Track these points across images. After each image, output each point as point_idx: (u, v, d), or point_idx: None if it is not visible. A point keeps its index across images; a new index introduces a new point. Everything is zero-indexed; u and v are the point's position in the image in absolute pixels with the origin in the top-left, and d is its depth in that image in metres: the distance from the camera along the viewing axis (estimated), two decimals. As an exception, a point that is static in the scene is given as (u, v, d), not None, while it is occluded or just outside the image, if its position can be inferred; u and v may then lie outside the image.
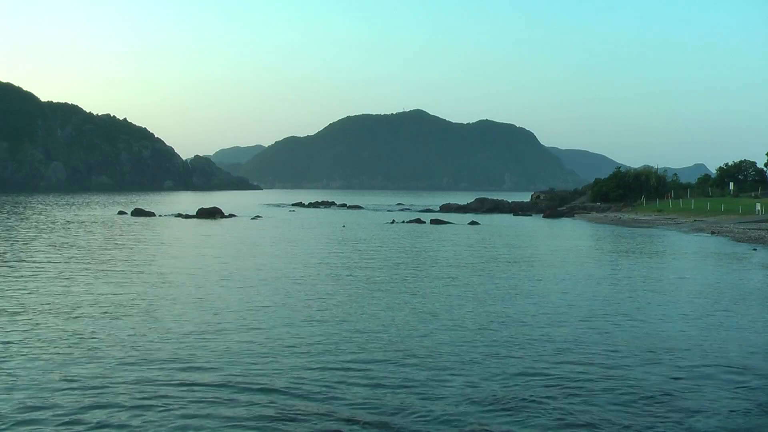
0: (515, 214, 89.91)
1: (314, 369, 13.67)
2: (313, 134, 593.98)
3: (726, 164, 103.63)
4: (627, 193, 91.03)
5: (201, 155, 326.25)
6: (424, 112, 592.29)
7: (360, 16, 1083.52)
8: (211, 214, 75.90)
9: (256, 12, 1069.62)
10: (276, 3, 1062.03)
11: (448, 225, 65.41)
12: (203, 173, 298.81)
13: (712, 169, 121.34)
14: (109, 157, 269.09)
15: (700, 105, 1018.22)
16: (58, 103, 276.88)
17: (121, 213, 77.91)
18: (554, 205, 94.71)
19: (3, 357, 14.20)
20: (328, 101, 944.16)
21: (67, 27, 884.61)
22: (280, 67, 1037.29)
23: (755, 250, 40.50)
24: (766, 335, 17.60)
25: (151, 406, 11.38)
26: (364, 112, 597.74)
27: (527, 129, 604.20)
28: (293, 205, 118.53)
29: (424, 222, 68.29)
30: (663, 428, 10.83)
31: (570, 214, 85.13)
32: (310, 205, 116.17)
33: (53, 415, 10.91)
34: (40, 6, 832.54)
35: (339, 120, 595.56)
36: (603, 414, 11.36)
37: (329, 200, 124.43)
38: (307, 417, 11.03)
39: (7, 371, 13.15)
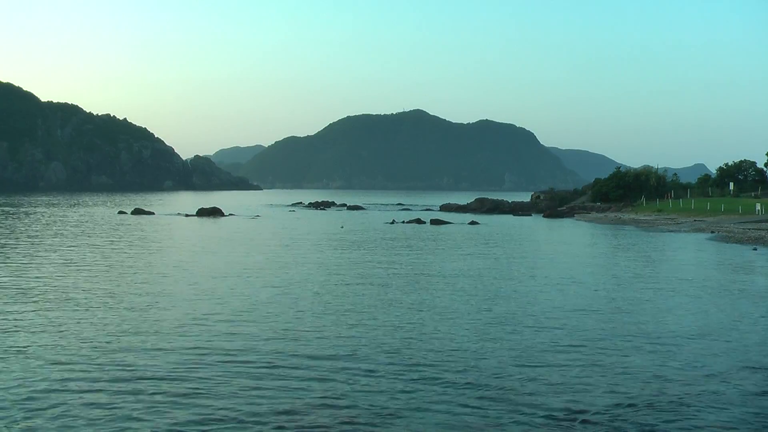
0: (515, 214, 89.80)
1: (309, 358, 13.75)
2: (313, 134, 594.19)
3: (726, 164, 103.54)
4: (627, 193, 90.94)
5: (201, 155, 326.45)
6: (424, 112, 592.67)
7: (360, 16, 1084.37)
8: (211, 213, 75.98)
9: (255, 12, 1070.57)
10: (275, 3, 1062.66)
11: (448, 225, 65.38)
12: (203, 173, 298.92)
13: (712, 169, 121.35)
14: (109, 157, 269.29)
15: (700, 105, 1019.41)
16: (58, 103, 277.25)
17: (121, 213, 77.94)
18: (554, 205, 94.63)
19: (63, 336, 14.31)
20: (328, 101, 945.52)
21: (67, 27, 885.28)
22: (280, 67, 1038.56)
23: (755, 249, 40.46)
24: (765, 334, 17.59)
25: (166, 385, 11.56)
26: (364, 112, 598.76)
27: (527, 129, 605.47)
28: (293, 205, 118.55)
29: (424, 222, 68.24)
30: (662, 424, 10.85)
31: (570, 214, 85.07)
32: (310, 205, 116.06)
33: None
34: (40, 6, 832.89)
35: (339, 120, 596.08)
36: (602, 409, 11.38)
37: (329, 200, 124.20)
38: (307, 409, 11.08)
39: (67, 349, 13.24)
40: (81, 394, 11.98)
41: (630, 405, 11.78)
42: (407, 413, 11.29)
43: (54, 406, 11.36)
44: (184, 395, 12.01)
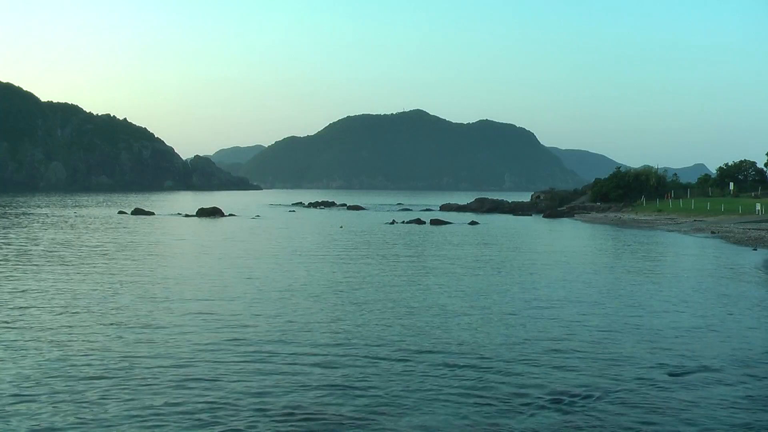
0: (515, 214, 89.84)
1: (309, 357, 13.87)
2: (313, 134, 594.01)
3: (726, 164, 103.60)
4: (627, 193, 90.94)
5: (201, 155, 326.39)
6: (424, 112, 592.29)
7: (360, 15, 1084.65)
8: (211, 213, 75.99)
9: (255, 12, 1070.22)
10: (275, 3, 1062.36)
11: (448, 225, 65.39)
12: (203, 173, 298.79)
13: (712, 169, 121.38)
14: (109, 157, 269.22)
15: (700, 105, 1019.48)
16: (58, 103, 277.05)
17: (121, 213, 77.95)
18: (554, 205, 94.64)
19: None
20: (328, 101, 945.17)
21: (67, 27, 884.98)
22: (280, 67, 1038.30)
23: (755, 250, 40.47)
24: (762, 333, 17.63)
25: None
26: (364, 112, 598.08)
27: (527, 129, 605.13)
28: (293, 204, 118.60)
29: (424, 222, 68.22)
30: (662, 422, 10.88)
31: (570, 214, 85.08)
32: (310, 205, 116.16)
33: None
34: (40, 6, 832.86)
35: (339, 120, 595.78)
36: (603, 412, 11.42)
37: (329, 200, 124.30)
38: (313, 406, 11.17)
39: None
40: (90, 382, 12.49)
41: (620, 398, 11.92)
42: (407, 400, 11.58)
43: (60, 394, 11.80)
44: (190, 384, 12.48)
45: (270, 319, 18.28)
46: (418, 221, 68.81)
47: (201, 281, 25.48)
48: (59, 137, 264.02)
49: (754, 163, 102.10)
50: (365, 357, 14.54)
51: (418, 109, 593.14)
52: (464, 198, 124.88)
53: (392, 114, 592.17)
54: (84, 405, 11.29)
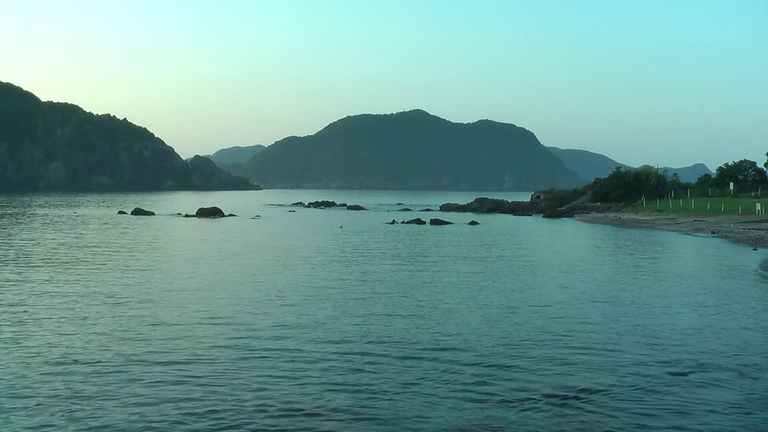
0: (515, 214, 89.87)
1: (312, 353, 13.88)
2: (313, 134, 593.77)
3: (726, 164, 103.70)
4: (627, 193, 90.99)
5: (201, 155, 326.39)
6: (424, 112, 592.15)
7: (360, 16, 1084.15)
8: (210, 214, 75.99)
9: (255, 12, 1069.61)
10: (275, 3, 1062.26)
11: (448, 225, 65.42)
12: (203, 173, 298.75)
13: (712, 169, 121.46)
14: (109, 157, 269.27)
15: (700, 105, 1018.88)
16: (58, 103, 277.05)
17: (121, 213, 77.98)
18: (554, 205, 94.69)
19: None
20: (328, 101, 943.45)
21: (67, 27, 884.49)
22: (280, 67, 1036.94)
23: (755, 250, 40.48)
24: (762, 334, 17.64)
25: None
26: (364, 112, 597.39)
27: (527, 129, 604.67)
28: (293, 204, 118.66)
29: (425, 222, 68.25)
30: (660, 422, 10.90)
31: (570, 214, 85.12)
32: (310, 205, 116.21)
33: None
34: (40, 6, 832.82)
35: (339, 120, 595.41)
36: (600, 409, 11.44)
37: (329, 200, 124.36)
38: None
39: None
40: (89, 381, 12.63)
41: (619, 396, 12.02)
42: (406, 398, 11.62)
43: (60, 393, 11.88)
44: (190, 383, 12.61)
45: (269, 318, 18.36)
46: (419, 221, 68.81)
47: (201, 281, 25.53)
48: (59, 137, 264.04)
49: (754, 163, 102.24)
50: (364, 355, 14.62)
51: (418, 109, 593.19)
52: (464, 198, 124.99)
53: (392, 114, 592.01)
54: (83, 404, 11.33)
